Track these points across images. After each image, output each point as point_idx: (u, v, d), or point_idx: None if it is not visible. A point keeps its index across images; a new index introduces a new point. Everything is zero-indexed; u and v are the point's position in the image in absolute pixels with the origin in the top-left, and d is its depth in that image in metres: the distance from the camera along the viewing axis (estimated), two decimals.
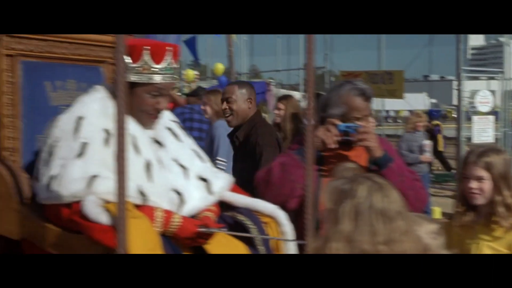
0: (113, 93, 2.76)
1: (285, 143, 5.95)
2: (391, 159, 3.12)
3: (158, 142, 2.79)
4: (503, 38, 11.15)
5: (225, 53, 15.48)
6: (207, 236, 2.60)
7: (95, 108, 2.68)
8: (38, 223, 2.56)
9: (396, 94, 14.22)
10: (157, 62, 2.66)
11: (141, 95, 2.67)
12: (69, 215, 2.47)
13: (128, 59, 2.66)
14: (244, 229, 2.81)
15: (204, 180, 2.84)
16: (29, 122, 2.84)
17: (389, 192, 2.03)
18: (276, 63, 20.75)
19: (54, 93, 2.93)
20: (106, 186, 2.45)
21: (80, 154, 2.54)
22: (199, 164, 2.91)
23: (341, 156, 3.14)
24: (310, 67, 2.56)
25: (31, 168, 2.73)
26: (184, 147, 2.90)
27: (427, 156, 9.00)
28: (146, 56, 2.64)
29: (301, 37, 18.98)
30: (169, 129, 2.90)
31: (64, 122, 2.64)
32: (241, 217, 2.84)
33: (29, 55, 2.86)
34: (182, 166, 2.80)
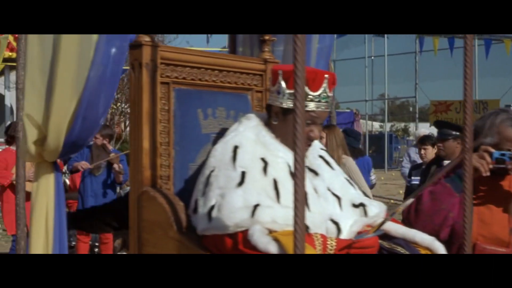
0: (265, 121, 2.72)
1: None
2: None
3: (312, 171, 2.72)
4: None
5: None
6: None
7: (250, 137, 2.65)
8: (198, 253, 2.51)
9: None
10: (314, 90, 2.61)
11: None
12: (234, 245, 2.42)
13: (283, 85, 2.62)
14: None
15: (358, 206, 2.75)
16: (181, 149, 2.82)
17: None
18: (354, 93, 20.64)
19: (204, 121, 2.90)
20: (269, 215, 2.40)
21: (240, 183, 2.49)
22: (353, 192, 2.82)
23: (492, 185, 3.02)
24: (469, 94, 2.43)
25: (182, 197, 2.70)
26: (337, 175, 2.81)
27: None
28: None
29: (384, 67, 18.72)
30: (321, 157, 2.83)
31: (220, 152, 2.62)
32: (399, 249, 2.71)
33: (181, 83, 2.84)
34: (335, 195, 2.72)
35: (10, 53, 13.23)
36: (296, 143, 1.80)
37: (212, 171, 2.58)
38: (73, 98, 2.64)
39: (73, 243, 8.09)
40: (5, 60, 13.57)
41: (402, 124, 40.00)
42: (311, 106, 2.62)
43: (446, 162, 5.76)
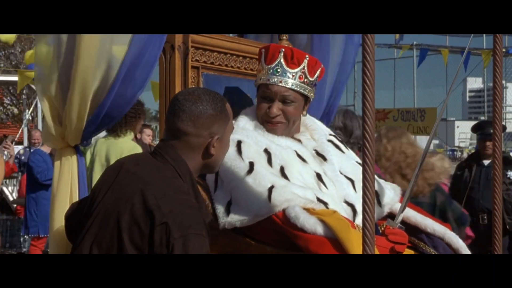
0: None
1: None
2: None
3: (321, 156, 2.67)
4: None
5: None
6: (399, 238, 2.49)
7: (251, 131, 2.62)
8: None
9: (428, 131, 14.25)
10: (267, 63, 2.62)
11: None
12: (273, 226, 2.37)
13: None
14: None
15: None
16: None
17: None
18: None
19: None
20: (286, 194, 2.38)
21: (250, 171, 2.46)
22: None
23: None
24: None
25: None
26: (348, 159, 2.76)
27: None
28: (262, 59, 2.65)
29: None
30: (330, 141, 2.78)
31: None
32: (423, 245, 2.69)
33: (209, 68, 2.76)
34: (348, 178, 2.67)
35: None
36: (366, 139, 1.77)
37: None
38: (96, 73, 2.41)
39: (24, 249, 7.77)
40: None
41: None
42: (263, 78, 2.61)
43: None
